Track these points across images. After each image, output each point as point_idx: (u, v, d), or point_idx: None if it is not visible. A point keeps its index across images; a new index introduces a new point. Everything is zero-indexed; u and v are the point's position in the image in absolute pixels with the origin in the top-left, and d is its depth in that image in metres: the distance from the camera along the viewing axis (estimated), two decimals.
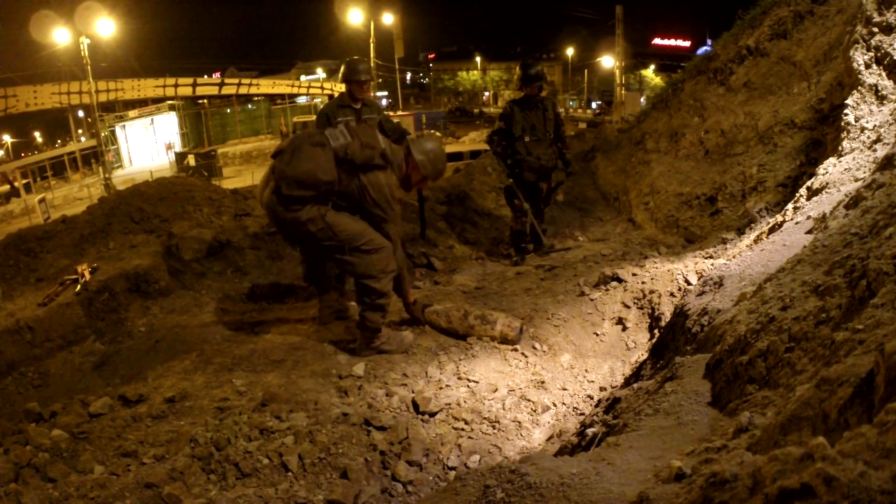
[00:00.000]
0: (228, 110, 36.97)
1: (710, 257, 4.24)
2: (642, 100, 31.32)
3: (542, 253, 5.59)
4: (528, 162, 5.38)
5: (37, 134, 48.09)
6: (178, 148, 31.27)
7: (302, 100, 39.80)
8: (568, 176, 5.84)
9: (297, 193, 3.13)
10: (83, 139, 37.10)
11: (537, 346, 3.69)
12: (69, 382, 3.60)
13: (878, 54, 3.74)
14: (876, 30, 3.77)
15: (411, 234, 6.04)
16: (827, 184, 3.50)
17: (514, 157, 5.41)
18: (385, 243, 3.34)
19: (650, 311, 3.86)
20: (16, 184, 26.83)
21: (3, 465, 2.45)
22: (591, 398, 3.33)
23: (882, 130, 3.44)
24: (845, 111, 3.83)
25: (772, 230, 3.75)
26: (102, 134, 26.99)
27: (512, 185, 5.49)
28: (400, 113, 33.13)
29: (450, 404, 3.00)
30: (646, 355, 3.35)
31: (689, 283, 3.78)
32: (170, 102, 33.47)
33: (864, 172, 3.25)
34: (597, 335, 3.89)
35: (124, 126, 33.58)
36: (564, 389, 3.37)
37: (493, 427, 2.92)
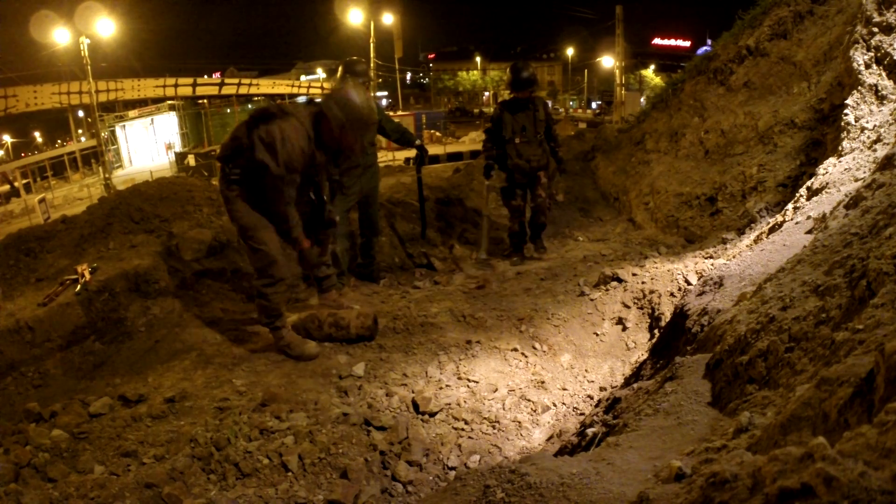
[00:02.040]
0: (228, 110, 36.98)
1: (710, 257, 4.24)
2: (642, 100, 31.28)
3: (516, 261, 5.49)
4: (519, 165, 5.33)
5: (37, 134, 48.09)
6: (178, 148, 31.28)
7: (302, 100, 39.77)
8: (561, 173, 5.80)
9: (220, 154, 3.47)
10: (83, 139, 37.09)
11: (537, 346, 3.69)
12: (69, 382, 3.60)
13: (878, 54, 3.74)
14: (876, 30, 3.77)
15: (411, 234, 6.04)
16: (827, 184, 3.50)
17: (505, 160, 5.37)
18: (265, 247, 3.38)
19: (650, 311, 3.86)
20: (16, 184, 26.84)
21: (3, 465, 2.45)
22: (591, 398, 3.33)
23: (882, 130, 3.43)
24: (845, 111, 3.82)
25: (772, 230, 3.74)
26: (102, 134, 26.97)
27: (507, 186, 5.49)
28: (400, 113, 33.14)
29: (450, 404, 3.00)
30: (646, 355, 3.35)
31: (689, 283, 3.78)
32: (170, 102, 33.48)
33: (864, 172, 3.25)
34: (597, 335, 3.89)
35: (124, 126, 33.59)
36: (564, 389, 3.37)
37: (493, 427, 2.92)
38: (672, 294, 3.80)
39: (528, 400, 3.15)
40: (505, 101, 5.44)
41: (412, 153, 5.27)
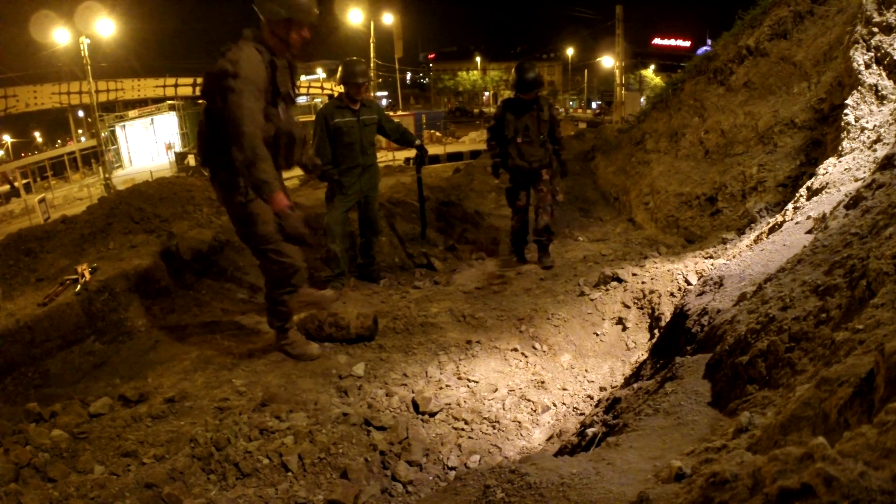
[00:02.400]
0: None
1: (710, 257, 4.24)
2: (642, 100, 31.30)
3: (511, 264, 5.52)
4: (520, 165, 5.27)
5: (37, 134, 48.12)
6: (178, 148, 31.25)
7: (302, 100, 39.77)
8: (562, 176, 5.77)
9: (200, 155, 3.42)
10: (83, 139, 37.10)
11: (537, 346, 3.69)
12: (69, 382, 3.60)
13: (878, 54, 3.74)
14: (876, 30, 3.77)
15: (411, 234, 6.04)
16: (827, 184, 3.50)
17: (507, 160, 5.31)
18: (289, 259, 3.33)
19: (650, 311, 3.86)
20: (16, 184, 26.83)
21: (3, 465, 2.45)
22: (591, 398, 3.33)
23: (882, 130, 3.43)
24: (845, 111, 3.82)
25: (772, 230, 3.74)
26: (102, 134, 26.97)
27: (511, 188, 5.47)
28: (400, 113, 33.16)
29: (450, 404, 3.00)
30: (646, 355, 3.35)
31: (689, 283, 3.78)
32: (170, 102, 33.45)
33: (864, 172, 3.25)
34: (597, 335, 3.89)
35: (124, 126, 33.57)
36: (564, 389, 3.37)
37: (493, 427, 2.92)
38: (672, 294, 3.80)
39: (528, 400, 3.15)
40: (508, 100, 5.28)
41: (412, 153, 5.26)
